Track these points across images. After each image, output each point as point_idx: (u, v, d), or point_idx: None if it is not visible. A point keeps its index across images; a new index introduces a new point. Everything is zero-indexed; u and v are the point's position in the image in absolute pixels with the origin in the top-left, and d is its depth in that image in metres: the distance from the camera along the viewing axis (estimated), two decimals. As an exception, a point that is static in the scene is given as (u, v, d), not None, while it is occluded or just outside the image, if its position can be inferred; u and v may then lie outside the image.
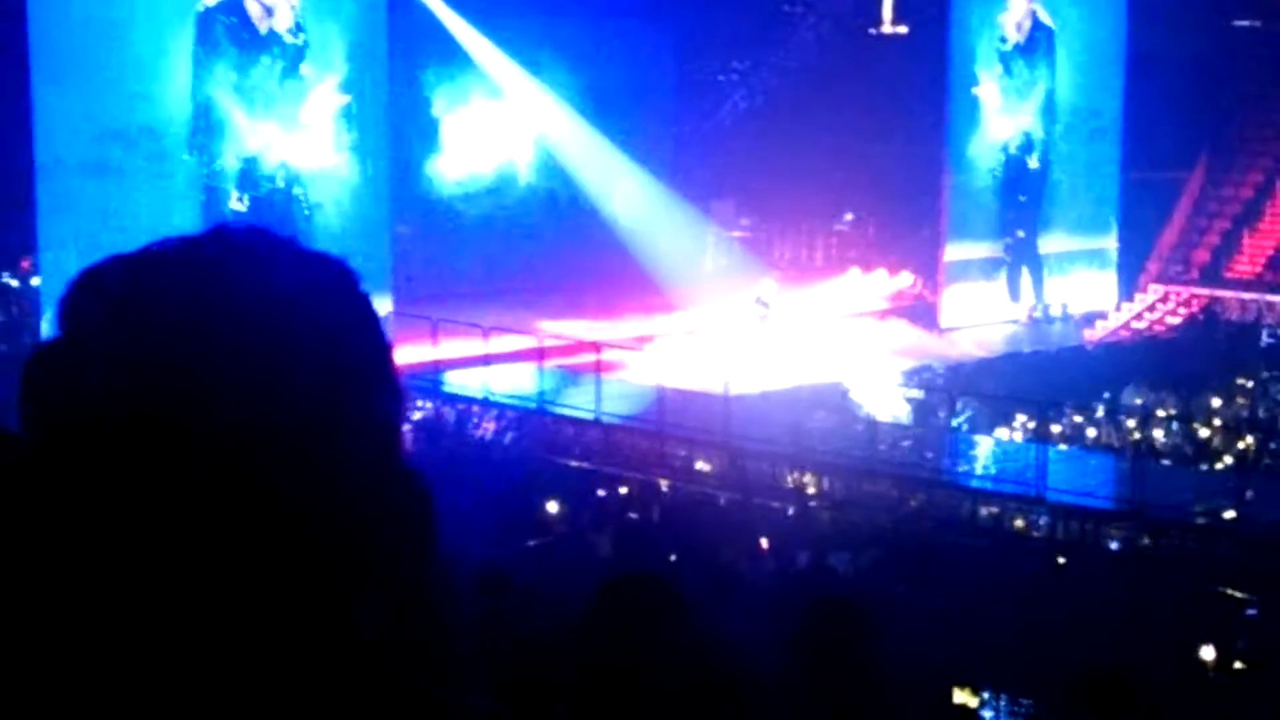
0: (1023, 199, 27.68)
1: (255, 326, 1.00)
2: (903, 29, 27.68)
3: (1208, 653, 10.62)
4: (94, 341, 1.00)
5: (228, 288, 1.02)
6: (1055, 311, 27.81)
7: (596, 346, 20.80)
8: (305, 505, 1.00)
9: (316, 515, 1.01)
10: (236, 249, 1.05)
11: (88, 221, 18.45)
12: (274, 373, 0.99)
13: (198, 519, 0.97)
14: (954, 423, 20.82)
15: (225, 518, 0.98)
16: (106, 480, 0.97)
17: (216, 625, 0.99)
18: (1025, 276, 27.81)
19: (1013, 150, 27.55)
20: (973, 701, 7.41)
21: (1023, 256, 27.77)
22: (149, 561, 0.98)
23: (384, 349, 1.06)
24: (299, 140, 21.06)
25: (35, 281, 20.02)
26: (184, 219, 19.04)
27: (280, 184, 21.00)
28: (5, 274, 21.20)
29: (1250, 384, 22.91)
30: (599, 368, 20.33)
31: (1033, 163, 27.81)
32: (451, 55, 25.38)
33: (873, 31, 28.21)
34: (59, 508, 0.98)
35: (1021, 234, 27.60)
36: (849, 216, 28.89)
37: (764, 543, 13.61)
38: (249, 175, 20.75)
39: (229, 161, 20.53)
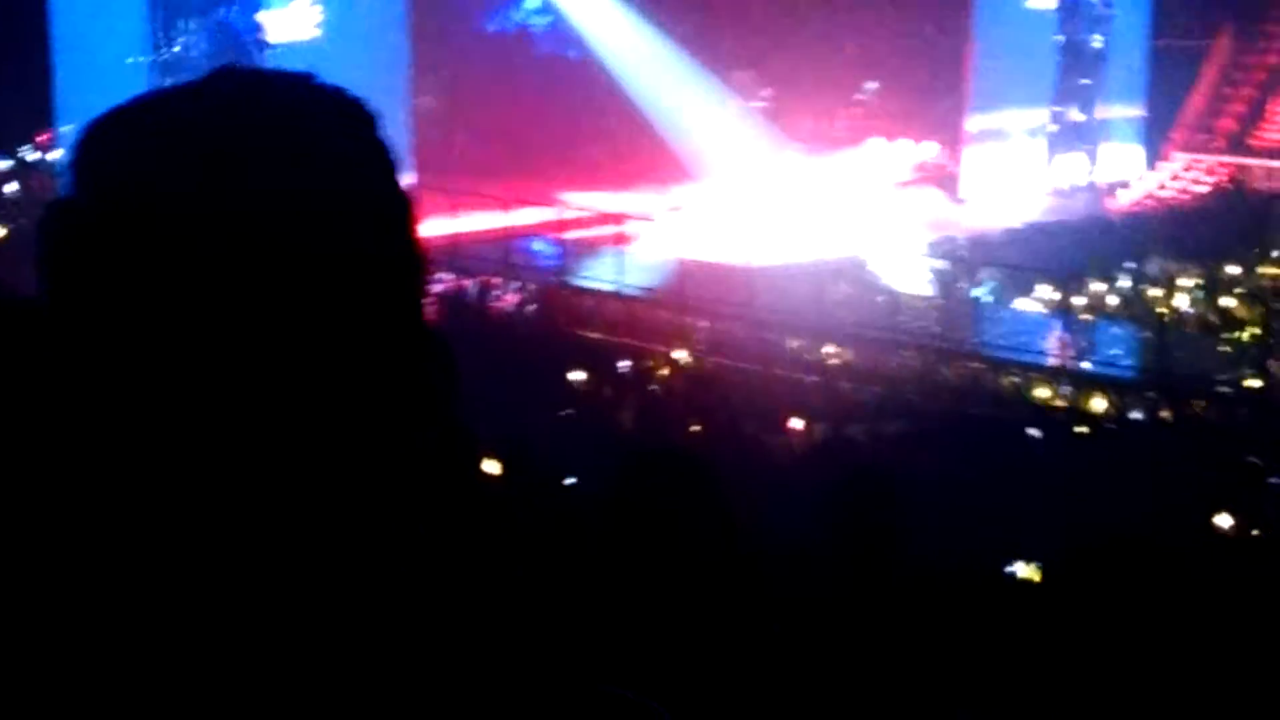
0: (1062, 67, 27.37)
1: (272, 164, 0.96)
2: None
3: (1224, 520, 10.67)
4: (111, 193, 0.97)
5: (239, 126, 0.97)
6: (1080, 181, 27.56)
7: (617, 218, 20.68)
8: (328, 355, 0.96)
9: (341, 365, 0.96)
10: (245, 87, 1.01)
11: (105, 96, 18.45)
12: (293, 213, 0.95)
13: (220, 368, 0.94)
14: (976, 294, 20.75)
15: (247, 362, 0.94)
16: (133, 329, 0.94)
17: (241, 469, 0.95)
18: (1056, 146, 27.57)
19: (1043, 17, 27.15)
20: (1023, 572, 7.49)
21: (1059, 126, 27.54)
22: (173, 399, 0.94)
23: (404, 197, 1.02)
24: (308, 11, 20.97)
25: (53, 155, 20.05)
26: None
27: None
28: (23, 148, 21.19)
29: (1275, 253, 22.77)
30: (619, 240, 20.21)
31: (1063, 31, 27.43)
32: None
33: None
34: (88, 359, 0.95)
35: (1057, 107, 27.36)
36: (871, 85, 28.54)
37: (785, 415, 13.63)
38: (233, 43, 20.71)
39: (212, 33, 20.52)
